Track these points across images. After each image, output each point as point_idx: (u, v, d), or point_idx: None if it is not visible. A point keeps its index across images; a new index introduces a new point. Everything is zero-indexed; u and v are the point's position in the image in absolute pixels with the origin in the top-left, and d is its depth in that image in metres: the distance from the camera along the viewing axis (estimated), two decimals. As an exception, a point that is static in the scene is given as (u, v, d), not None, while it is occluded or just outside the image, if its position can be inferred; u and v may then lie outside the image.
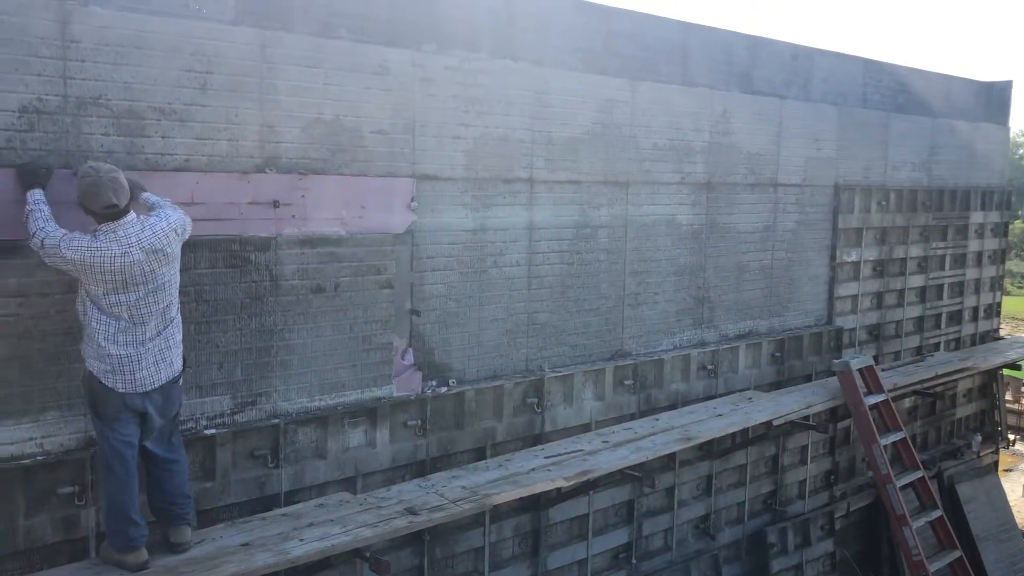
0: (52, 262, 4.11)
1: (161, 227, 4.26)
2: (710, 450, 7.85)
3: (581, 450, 6.42)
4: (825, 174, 9.18)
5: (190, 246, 4.75)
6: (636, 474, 6.55)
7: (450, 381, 6.17)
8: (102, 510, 4.40)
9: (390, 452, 5.79)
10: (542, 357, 6.76)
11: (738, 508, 8.39)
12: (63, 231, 4.08)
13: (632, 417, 7.36)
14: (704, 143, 7.83)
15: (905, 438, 8.81)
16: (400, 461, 5.87)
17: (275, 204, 5.07)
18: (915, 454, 9.01)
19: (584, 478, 6.04)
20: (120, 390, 4.18)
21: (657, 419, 7.31)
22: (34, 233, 4.05)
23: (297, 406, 5.36)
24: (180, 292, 4.60)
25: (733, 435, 7.75)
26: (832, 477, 9.53)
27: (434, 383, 6.10)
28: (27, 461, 4.36)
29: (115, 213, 4.12)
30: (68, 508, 4.49)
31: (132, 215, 4.21)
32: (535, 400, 6.62)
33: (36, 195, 4.17)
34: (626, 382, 7.26)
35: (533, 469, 6.02)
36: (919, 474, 8.81)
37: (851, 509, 9.67)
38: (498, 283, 6.41)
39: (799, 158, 8.82)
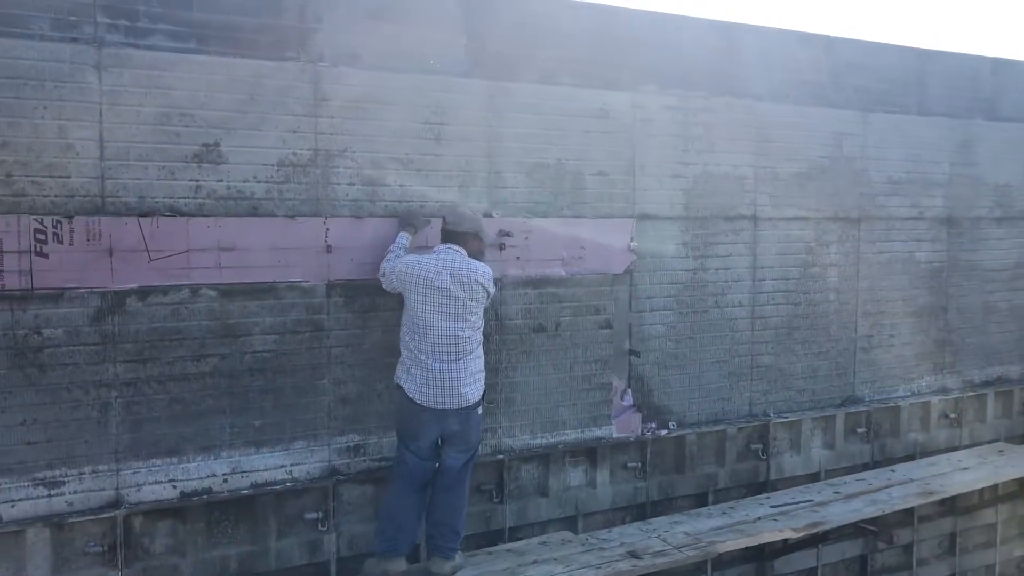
0: (389, 286, 4.63)
1: (478, 270, 4.61)
2: (954, 506, 7.20)
3: (810, 500, 6.09)
4: (1087, 205, 8.27)
5: (423, 287, 5.02)
6: (871, 528, 6.13)
7: (670, 424, 6.07)
8: (379, 515, 4.72)
9: (610, 493, 5.77)
10: (767, 401, 6.51)
11: (986, 571, 7.62)
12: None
13: (865, 467, 6.91)
14: (944, 175, 7.31)
15: None
16: (620, 503, 5.83)
17: (501, 247, 5.25)
18: None
19: (814, 530, 5.72)
20: (426, 404, 4.48)
21: (893, 470, 6.81)
22: (383, 266, 4.63)
23: (520, 443, 5.46)
24: (413, 331, 4.90)
25: (981, 491, 7.08)
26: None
27: (653, 425, 6.02)
28: (278, 487, 4.72)
29: (449, 235, 4.67)
30: (313, 533, 4.81)
31: (462, 250, 4.64)
32: (759, 446, 6.37)
33: (402, 239, 4.75)
34: (858, 430, 6.84)
35: (759, 518, 5.77)
36: None
37: None
38: (719, 324, 6.26)
39: (1055, 188, 8.01)
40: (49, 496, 4.22)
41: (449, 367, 4.52)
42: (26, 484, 4.17)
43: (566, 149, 5.51)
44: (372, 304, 4.93)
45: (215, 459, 4.57)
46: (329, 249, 4.79)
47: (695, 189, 6.06)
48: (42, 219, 4.12)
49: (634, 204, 5.81)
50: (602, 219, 5.67)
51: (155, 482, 4.44)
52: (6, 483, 4.12)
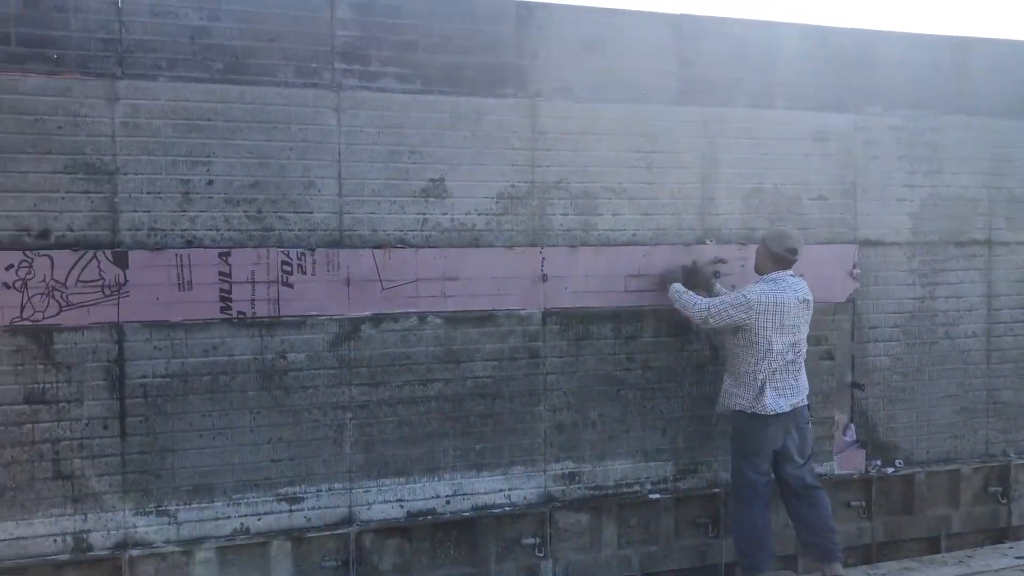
0: (718, 322, 4.69)
1: (808, 291, 4.81)
2: None
3: (1062, 552, 5.53)
4: None
5: (636, 316, 5.02)
6: None
7: (896, 462, 5.71)
8: (735, 537, 4.84)
9: (832, 533, 5.47)
10: (1006, 440, 5.98)
11: None
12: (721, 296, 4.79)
13: (1125, 518, 6.18)
14: None
15: None
16: (843, 542, 5.50)
17: (716, 274, 5.15)
18: None
19: (1070, 586, 5.17)
20: (767, 412, 4.66)
21: None
22: (696, 308, 4.73)
23: (736, 477, 5.30)
24: (627, 358, 4.92)
25: None
26: None
27: (878, 463, 5.68)
28: (497, 511, 4.82)
29: (790, 262, 4.75)
30: (530, 558, 4.87)
31: (793, 273, 4.80)
32: (998, 489, 5.86)
33: (678, 286, 4.88)
34: (1116, 475, 6.14)
35: (1001, 569, 5.29)
36: None
37: None
38: (951, 356, 5.84)
39: None
40: (290, 511, 4.51)
41: (790, 382, 4.73)
42: (271, 499, 4.48)
43: (783, 173, 5.35)
44: (586, 332, 4.98)
45: (439, 481, 4.74)
46: (545, 278, 4.88)
47: (922, 213, 5.71)
48: (288, 251, 4.45)
49: (856, 229, 5.55)
50: (822, 245, 5.45)
51: (384, 501, 4.65)
52: (253, 497, 4.45)
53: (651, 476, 5.15)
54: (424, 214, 4.68)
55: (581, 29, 4.95)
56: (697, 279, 5.04)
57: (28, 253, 4.08)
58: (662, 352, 5.13)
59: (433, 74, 4.71)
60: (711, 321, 4.71)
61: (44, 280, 4.10)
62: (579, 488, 5.00)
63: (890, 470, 5.66)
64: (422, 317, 4.68)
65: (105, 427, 4.22)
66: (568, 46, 4.95)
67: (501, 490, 4.86)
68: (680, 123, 5.15)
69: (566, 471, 4.98)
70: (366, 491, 4.62)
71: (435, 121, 4.69)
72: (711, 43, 5.21)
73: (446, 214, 4.72)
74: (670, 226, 5.14)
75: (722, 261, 5.18)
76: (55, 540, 4.18)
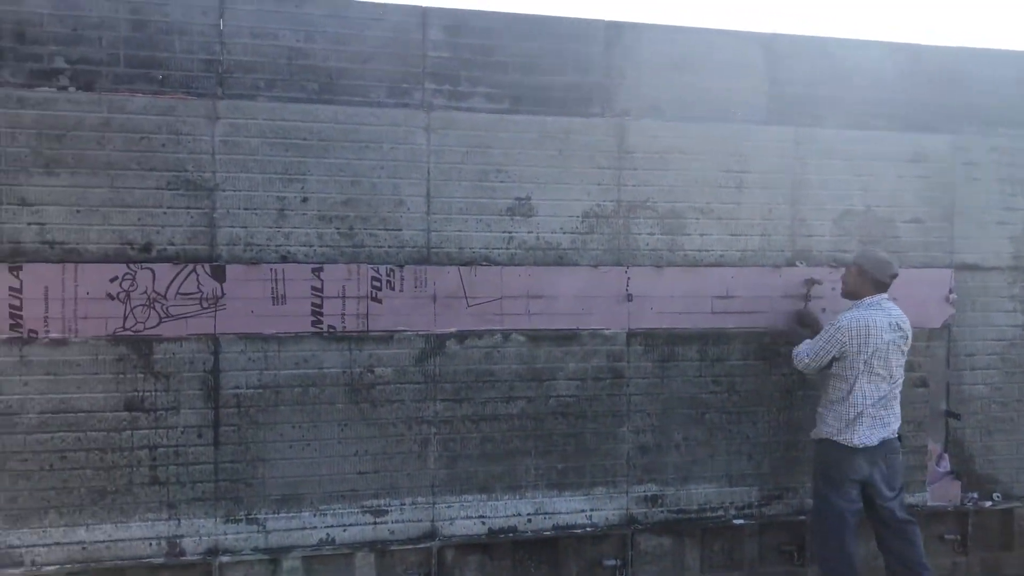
0: (820, 364, 4.62)
1: (905, 318, 4.68)
2: None
3: None
4: None
5: (723, 338, 4.95)
6: None
7: (994, 495, 5.48)
8: (820, 568, 4.71)
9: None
10: (1114, 476, 5.69)
11: None
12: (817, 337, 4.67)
13: None
14: None
15: None
16: (936, 578, 5.31)
17: (807, 297, 5.05)
18: None
19: None
20: (855, 445, 4.53)
21: None
22: (796, 360, 4.70)
23: (823, 505, 5.16)
24: (713, 381, 4.85)
25: None
26: None
27: (975, 495, 5.46)
28: (578, 531, 4.80)
29: (886, 286, 4.63)
30: (610, 580, 4.83)
31: (888, 298, 4.67)
32: (1106, 528, 5.56)
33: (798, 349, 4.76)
34: None
35: (1110, 612, 5.02)
36: None
37: None
38: (1054, 386, 5.58)
39: None
40: (375, 524, 4.57)
41: (881, 413, 4.58)
42: (356, 511, 4.54)
43: (877, 195, 5.22)
44: (671, 353, 4.93)
45: (520, 499, 4.74)
46: (630, 298, 4.86)
47: (1024, 236, 5.51)
48: (378, 268, 4.53)
49: (952, 253, 5.37)
50: (916, 269, 5.29)
51: (466, 517, 4.67)
52: (340, 508, 4.52)
53: (735, 501, 5.05)
54: (510, 232, 4.71)
55: (669, 48, 4.93)
56: (808, 319, 4.95)
57: (131, 266, 4.24)
58: (749, 375, 5.04)
59: (521, 94, 4.75)
60: (813, 366, 4.64)
61: (146, 292, 4.26)
62: (662, 511, 4.94)
63: (988, 503, 5.44)
64: (506, 335, 4.70)
65: (199, 435, 4.35)
66: (656, 65, 4.93)
67: (583, 510, 4.83)
68: (770, 143, 5.08)
69: (649, 493, 4.92)
70: (448, 506, 4.65)
71: (522, 140, 4.73)
72: (802, 62, 5.13)
73: (531, 232, 4.74)
74: (759, 247, 5.06)
75: (817, 282, 5.07)
76: (150, 543, 4.32)
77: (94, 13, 4.23)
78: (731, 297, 4.97)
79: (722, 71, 5.01)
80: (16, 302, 4.14)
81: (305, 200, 4.45)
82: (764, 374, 5.06)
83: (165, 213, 4.29)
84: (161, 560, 4.32)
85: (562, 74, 4.81)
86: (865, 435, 4.55)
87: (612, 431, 4.85)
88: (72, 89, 4.21)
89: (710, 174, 5.00)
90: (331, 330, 4.48)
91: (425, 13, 4.62)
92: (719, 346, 4.98)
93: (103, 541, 4.25)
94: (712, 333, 4.99)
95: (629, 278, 4.87)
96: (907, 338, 4.65)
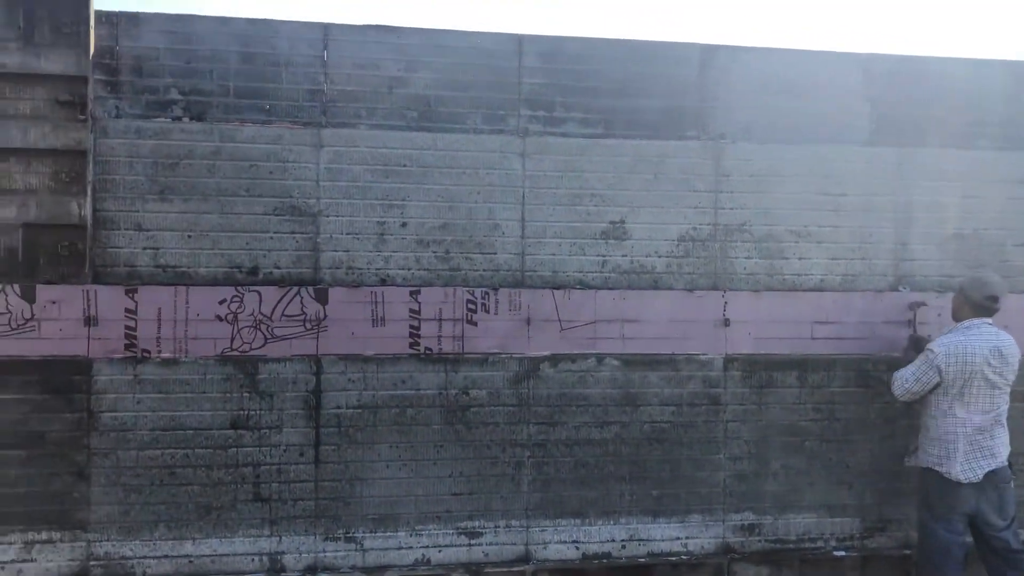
0: (919, 392, 4.48)
1: (1010, 339, 4.49)
2: None
3: None
4: None
5: (823, 364, 4.84)
6: None
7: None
8: None
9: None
10: None
11: None
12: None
13: None
14: None
15: None
16: (1054, 620, 5.04)
17: (911, 323, 4.90)
18: None
19: None
20: (959, 479, 4.38)
21: None
22: (894, 388, 4.58)
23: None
24: (813, 408, 4.74)
25: None
26: None
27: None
28: (673, 559, 4.73)
29: (990, 310, 4.47)
30: (706, 610, 4.74)
31: (993, 323, 4.51)
32: None
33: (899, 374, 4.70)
34: None
35: None
36: None
37: None
38: None
39: None
40: (469, 545, 4.59)
41: (985, 442, 4.42)
42: (451, 532, 4.58)
43: (985, 218, 5.05)
44: (769, 380, 4.84)
45: (614, 524, 4.70)
46: (727, 322, 4.80)
47: None
48: (473, 291, 4.59)
49: (1067, 277, 5.15)
50: (1028, 294, 5.08)
51: (560, 542, 4.66)
52: (435, 529, 4.56)
53: (836, 532, 4.91)
54: (604, 256, 4.72)
55: (766, 70, 4.88)
56: (921, 344, 4.81)
57: (239, 288, 4.40)
58: (850, 403, 4.91)
59: (615, 118, 4.77)
60: (909, 395, 4.51)
61: (252, 314, 4.41)
62: (759, 540, 4.83)
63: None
64: (600, 358, 4.70)
65: (301, 454, 4.46)
66: (752, 87, 4.89)
67: (678, 538, 4.76)
68: (871, 164, 4.97)
69: (746, 522, 4.82)
70: (542, 530, 4.65)
71: (616, 164, 4.74)
72: (903, 82, 5.01)
73: (626, 256, 4.74)
74: (860, 271, 4.94)
75: (922, 304, 4.92)
76: (252, 559, 4.43)
77: (206, 46, 4.43)
78: (831, 322, 4.86)
79: (820, 92, 4.94)
80: (131, 323, 4.34)
81: (404, 225, 4.55)
82: (866, 401, 4.92)
83: (272, 238, 4.44)
84: None
85: (656, 97, 4.81)
86: (967, 468, 4.37)
87: (708, 458, 4.78)
88: (185, 119, 4.41)
89: (808, 197, 4.91)
90: (428, 352, 4.55)
91: (521, 40, 4.69)
92: (819, 372, 4.87)
93: (208, 555, 4.39)
94: (812, 359, 4.88)
95: (726, 302, 4.81)
96: (1010, 365, 4.44)
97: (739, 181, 4.85)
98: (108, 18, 4.37)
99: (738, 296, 4.82)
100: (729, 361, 4.80)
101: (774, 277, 4.87)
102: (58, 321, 4.27)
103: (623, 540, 4.71)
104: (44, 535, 4.28)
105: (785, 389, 4.84)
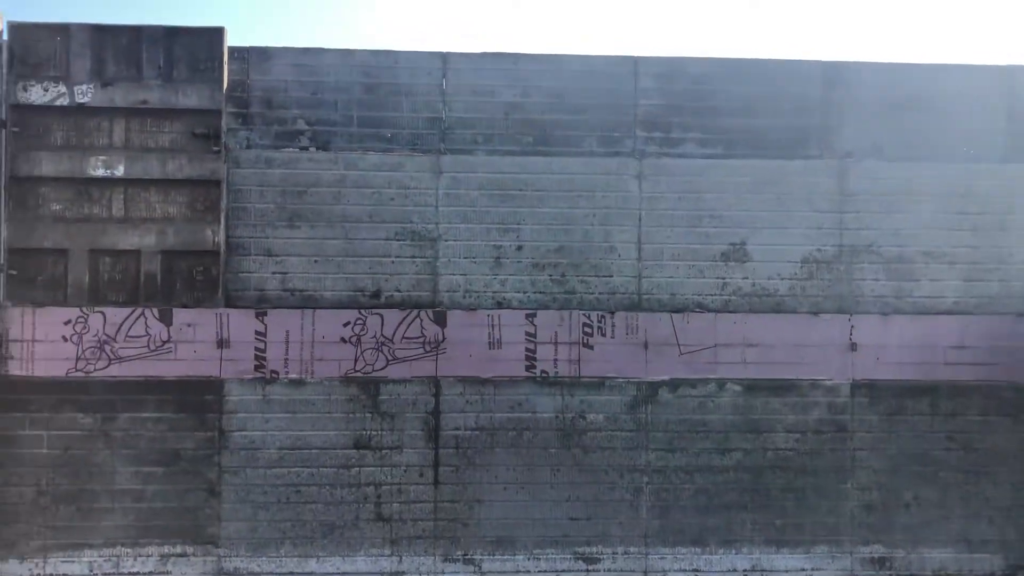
0: None
1: None
2: None
3: None
4: None
5: (958, 391, 4.61)
6: None
7: None
8: None
9: None
10: None
11: None
12: None
13: None
14: None
15: None
16: None
17: (1056, 348, 4.62)
18: None
19: None
20: None
21: None
22: None
23: (1081, 580, 4.64)
24: (947, 437, 4.53)
25: None
26: None
27: None
28: (798, 591, 4.57)
29: None
30: (834, 647, 4.55)
31: None
32: None
33: None
34: None
35: None
36: None
37: None
38: None
39: None
40: (587, 571, 4.55)
41: None
42: (568, 557, 4.55)
43: None
44: (899, 407, 4.63)
45: (736, 554, 4.58)
46: (853, 347, 4.62)
47: None
48: (589, 314, 4.58)
49: None
50: None
51: (680, 570, 4.56)
52: (552, 553, 4.54)
53: (975, 569, 4.64)
54: (723, 278, 4.63)
55: (893, 86, 4.71)
56: None
57: (363, 311, 4.51)
58: (989, 432, 4.65)
59: (734, 138, 4.68)
60: None
61: (375, 336, 4.51)
62: (890, 574, 4.62)
63: None
64: (720, 384, 4.60)
65: (421, 475, 4.52)
66: (878, 104, 4.72)
67: (803, 569, 4.60)
68: (1010, 183, 4.72)
69: (876, 555, 4.61)
70: (661, 557, 4.56)
71: (736, 185, 4.65)
72: (1045, 93, 4.76)
73: (747, 278, 4.63)
74: (997, 293, 4.69)
75: None
76: (374, 578, 4.52)
77: (331, 78, 4.59)
78: (966, 347, 4.62)
79: (951, 108, 4.73)
80: (261, 345, 4.50)
81: (520, 248, 4.58)
82: (1007, 431, 4.65)
83: (393, 262, 4.54)
84: (383, 594, 4.50)
85: (778, 116, 4.70)
86: None
87: (835, 487, 4.61)
88: (312, 149, 4.57)
89: (940, 216, 4.70)
90: (544, 375, 4.55)
91: (636, 62, 4.67)
92: (954, 399, 4.63)
93: (332, 574, 4.49)
94: (945, 385, 4.64)
95: (853, 326, 4.64)
96: None
97: (866, 200, 4.68)
98: (240, 53, 4.58)
99: (865, 319, 4.64)
100: (856, 387, 4.63)
101: (904, 300, 4.67)
102: (193, 343, 4.47)
103: (745, 570, 4.58)
104: (179, 548, 4.47)
105: (916, 416, 4.62)
